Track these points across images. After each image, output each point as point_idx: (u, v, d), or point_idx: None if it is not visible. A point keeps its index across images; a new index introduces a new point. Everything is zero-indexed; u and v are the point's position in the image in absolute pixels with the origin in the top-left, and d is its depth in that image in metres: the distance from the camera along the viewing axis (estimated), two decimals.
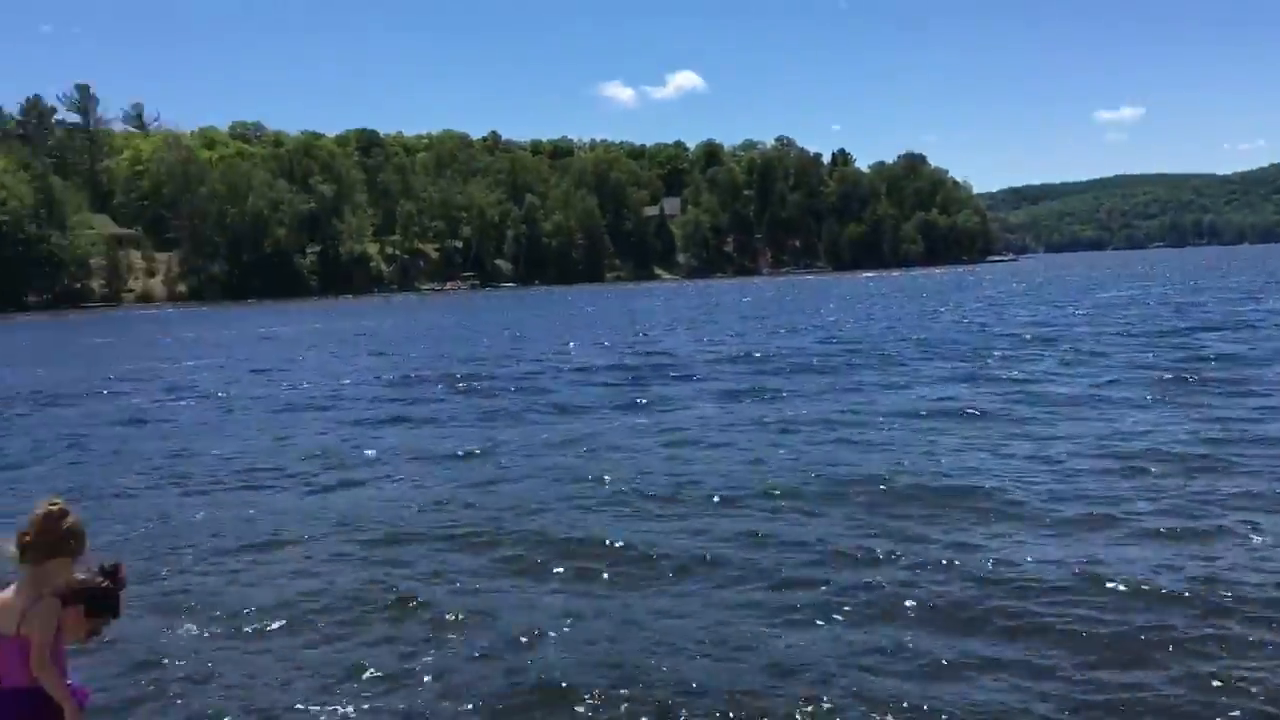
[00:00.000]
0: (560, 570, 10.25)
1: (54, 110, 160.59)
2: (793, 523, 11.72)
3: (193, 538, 12.01)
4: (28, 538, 3.86)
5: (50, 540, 3.84)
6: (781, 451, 16.02)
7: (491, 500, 13.42)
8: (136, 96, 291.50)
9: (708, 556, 10.42)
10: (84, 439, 20.84)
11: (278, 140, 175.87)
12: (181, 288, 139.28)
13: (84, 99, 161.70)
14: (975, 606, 8.79)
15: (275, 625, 8.99)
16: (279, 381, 31.32)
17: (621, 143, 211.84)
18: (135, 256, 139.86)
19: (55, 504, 3.96)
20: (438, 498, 13.71)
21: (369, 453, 17.58)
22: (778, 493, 13.02)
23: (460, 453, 17.08)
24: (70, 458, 18.67)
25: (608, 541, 11.06)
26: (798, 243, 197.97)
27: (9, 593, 3.94)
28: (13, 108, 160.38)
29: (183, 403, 26.82)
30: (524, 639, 8.39)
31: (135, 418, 23.88)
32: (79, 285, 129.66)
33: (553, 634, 8.52)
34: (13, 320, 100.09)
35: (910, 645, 8.05)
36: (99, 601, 3.97)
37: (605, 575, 10.05)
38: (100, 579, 3.99)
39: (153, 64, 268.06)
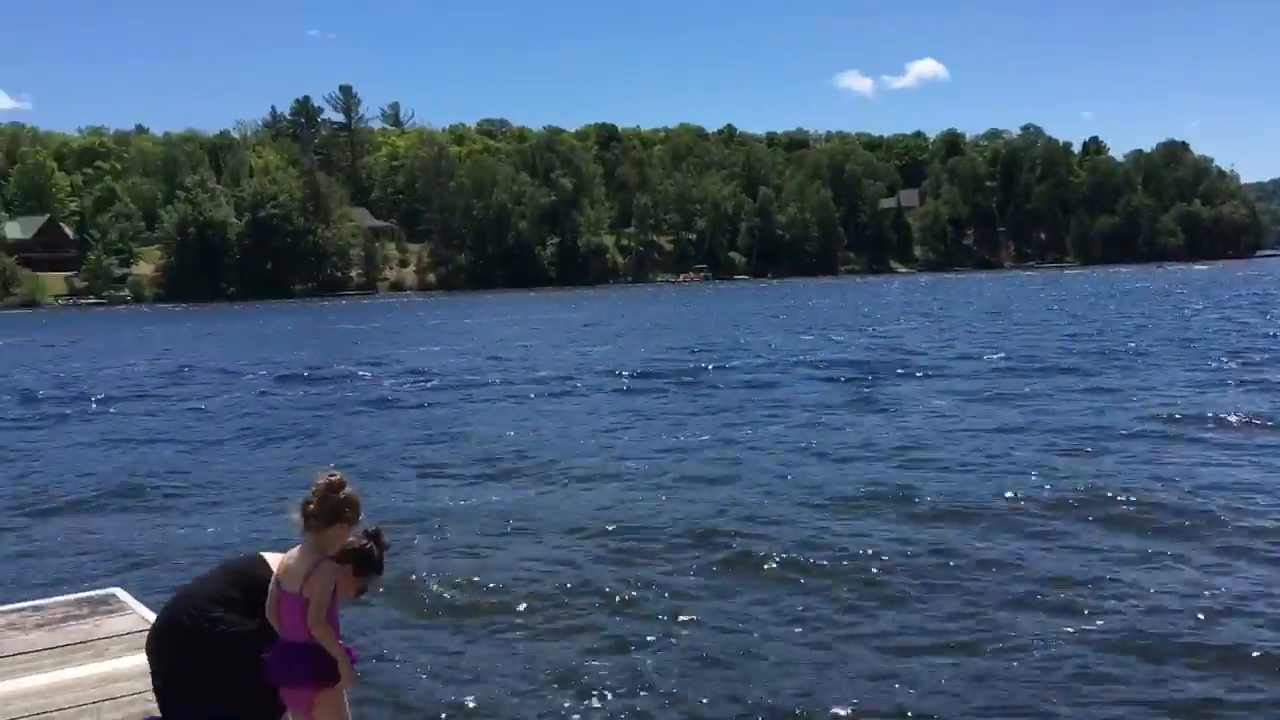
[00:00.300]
0: (782, 577, 9.88)
1: (320, 110, 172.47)
2: (1024, 538, 10.99)
3: (425, 522, 12.39)
4: (310, 507, 4.16)
5: (330, 509, 4.13)
6: (1016, 456, 15.20)
7: (715, 497, 13.23)
8: (394, 96, 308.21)
9: (935, 571, 9.88)
10: (331, 420, 22.14)
11: (521, 136, 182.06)
12: (431, 277, 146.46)
13: (347, 99, 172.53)
14: (1234, 643, 7.95)
15: (501, 616, 9.04)
16: (513, 369, 32.33)
17: (858, 134, 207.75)
18: (390, 247, 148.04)
19: (335, 475, 4.26)
20: (662, 494, 13.61)
21: (609, 443, 17.77)
22: (1010, 504, 12.28)
23: (686, 448, 17.04)
24: (317, 436, 19.85)
25: (831, 549, 10.62)
26: (1043, 235, 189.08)
27: (294, 554, 4.26)
28: (284, 108, 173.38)
29: (426, 387, 28.08)
30: (745, 650, 8.07)
31: (380, 400, 25.18)
32: (339, 274, 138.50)
33: (773, 647, 8.15)
34: (280, 305, 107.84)
35: (1151, 680, 7.40)
36: (365, 561, 4.23)
37: (828, 585, 9.61)
38: (365, 541, 4.24)
39: (409, 65, 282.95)
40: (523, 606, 9.23)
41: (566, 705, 7.22)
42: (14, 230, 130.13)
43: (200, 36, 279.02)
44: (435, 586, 9.76)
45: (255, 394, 27.67)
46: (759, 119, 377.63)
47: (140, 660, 5.33)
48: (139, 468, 16.95)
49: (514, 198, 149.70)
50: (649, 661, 7.94)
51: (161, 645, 4.43)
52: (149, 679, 4.62)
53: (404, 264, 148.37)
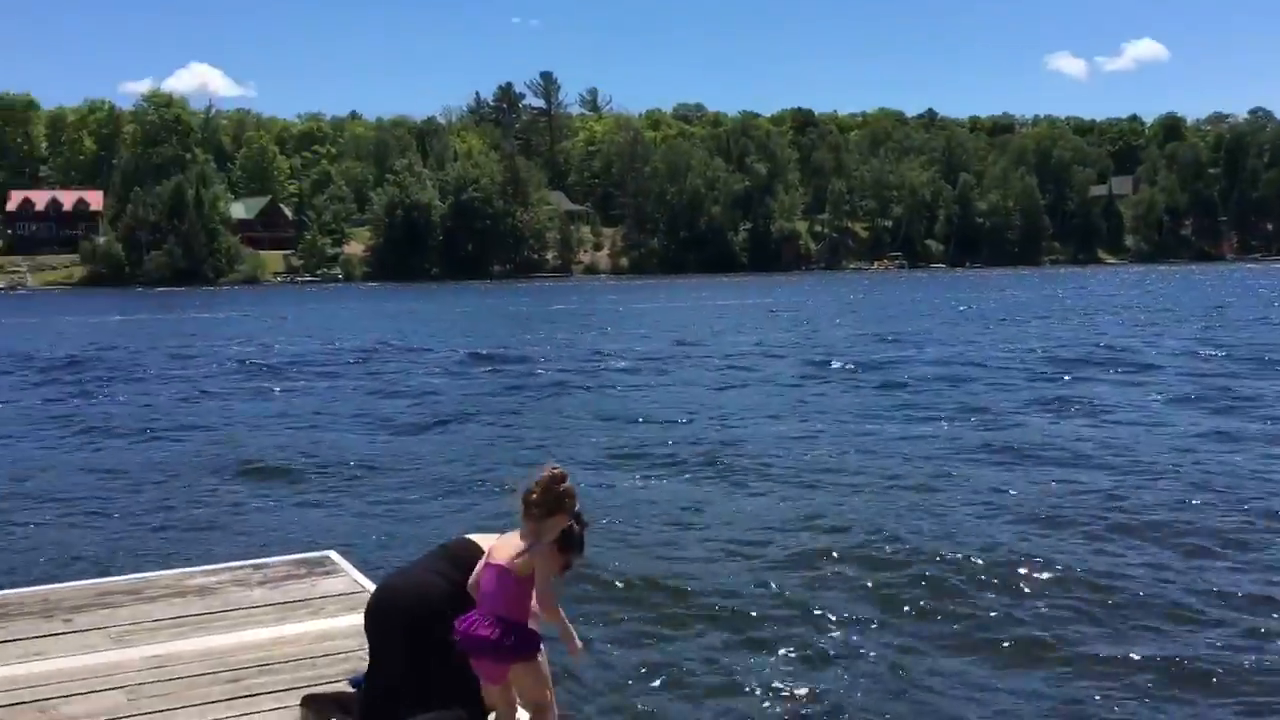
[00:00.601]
0: (970, 591, 9.23)
1: (522, 96, 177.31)
2: (1237, 559, 10.14)
3: (603, 510, 12.11)
4: (533, 496, 4.30)
5: (552, 499, 4.29)
6: (1228, 465, 14.27)
7: (896, 499, 12.67)
8: (593, 82, 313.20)
9: (1138, 593, 9.15)
10: (516, 401, 22.71)
11: (716, 120, 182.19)
12: (623, 261, 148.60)
13: (547, 85, 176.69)
14: None
15: (677, 612, 8.83)
16: (699, 355, 32.49)
17: (1068, 118, 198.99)
18: (585, 231, 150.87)
19: (557, 469, 4.39)
20: (844, 493, 13.07)
21: (791, 436, 17.42)
22: (1221, 520, 11.38)
23: (870, 444, 16.52)
24: (502, 418, 20.24)
25: (1025, 564, 9.84)
26: (1270, 226, 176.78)
27: (511, 536, 4.42)
28: (488, 94, 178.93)
29: (613, 370, 28.60)
30: (931, 670, 7.60)
31: (565, 383, 25.63)
32: (535, 256, 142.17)
33: (961, 667, 7.64)
34: (478, 286, 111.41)
35: None
36: (569, 540, 4.39)
37: (1018, 603, 8.90)
38: (569, 520, 4.40)
39: (608, 51, 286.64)
40: (699, 604, 9.01)
41: (744, 712, 7.04)
42: (239, 210, 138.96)
43: (411, 25, 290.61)
44: (614, 577, 9.58)
45: (447, 373, 28.72)
46: (962, 103, 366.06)
47: (353, 620, 5.70)
48: (335, 441, 17.90)
49: (707, 183, 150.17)
50: (830, 674, 7.57)
51: (379, 622, 4.62)
52: (362, 639, 4.89)
53: (598, 247, 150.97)
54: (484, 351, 34.39)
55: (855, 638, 8.22)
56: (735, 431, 17.93)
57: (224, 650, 5.69)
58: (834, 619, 8.63)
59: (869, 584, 9.53)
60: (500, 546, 4.36)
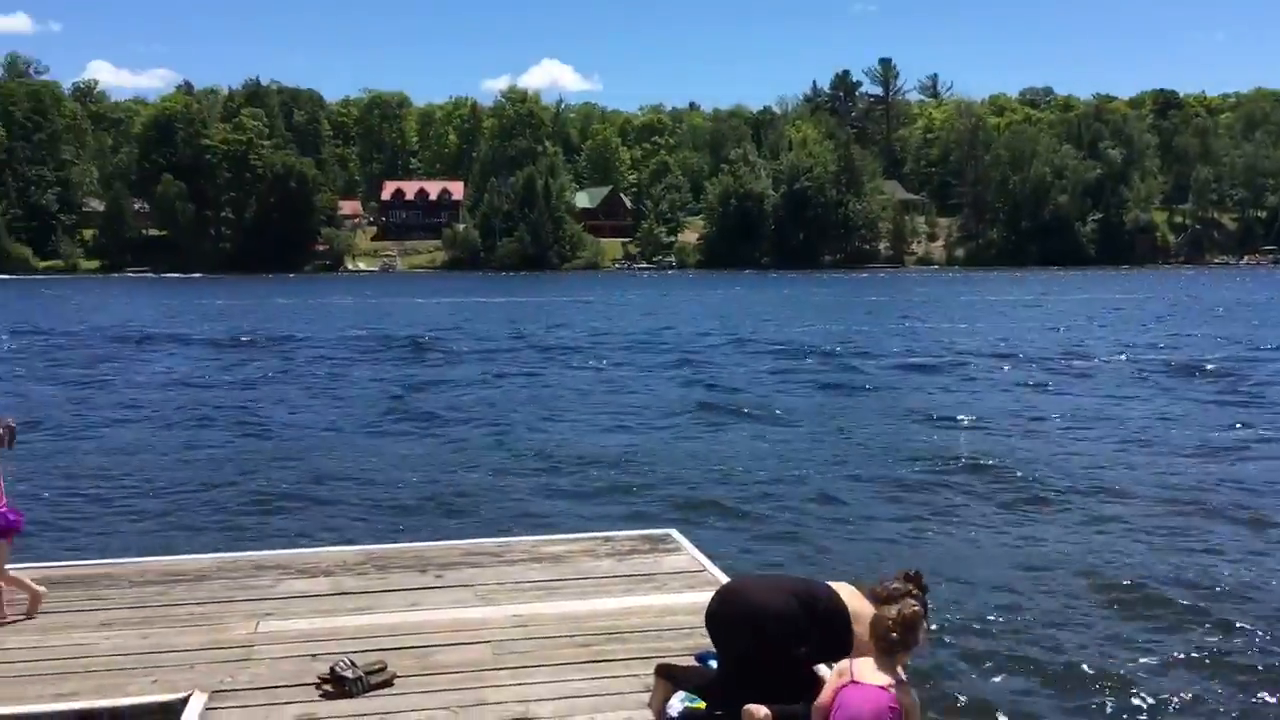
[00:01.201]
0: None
1: (859, 84, 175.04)
2: None
3: (901, 545, 11.47)
4: (894, 635, 4.35)
5: (909, 637, 4.35)
6: None
7: (1244, 549, 10.94)
8: (934, 67, 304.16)
9: None
10: (815, 400, 22.36)
11: (1067, 105, 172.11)
12: (959, 252, 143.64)
13: (885, 72, 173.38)
14: None
15: (1016, 663, 7.86)
16: (1030, 353, 30.90)
17: None
18: (919, 221, 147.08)
19: (915, 607, 4.40)
20: (1159, 539, 11.15)
21: (1132, 460, 15.62)
22: None
23: (1206, 475, 14.31)
24: (808, 417, 19.77)
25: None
26: None
27: (869, 659, 4.47)
28: (824, 82, 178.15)
29: (926, 368, 27.67)
30: None
31: (873, 382, 24.95)
32: (867, 246, 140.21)
33: None
34: (808, 276, 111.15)
35: None
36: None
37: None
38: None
39: (950, 35, 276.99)
40: (1025, 648, 8.12)
41: None
42: (583, 200, 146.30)
43: (751, 15, 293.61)
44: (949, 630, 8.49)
45: (761, 366, 28.74)
46: None
47: (694, 597, 5.89)
48: (630, 426, 18.82)
49: (1055, 170, 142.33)
50: None
51: (725, 626, 4.73)
52: (702, 616, 5.01)
53: (933, 238, 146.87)
54: (804, 343, 34.50)
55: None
56: (1063, 445, 16.66)
57: (578, 616, 6.04)
58: (1167, 676, 7.64)
59: (1215, 641, 8.28)
60: (864, 667, 4.35)
